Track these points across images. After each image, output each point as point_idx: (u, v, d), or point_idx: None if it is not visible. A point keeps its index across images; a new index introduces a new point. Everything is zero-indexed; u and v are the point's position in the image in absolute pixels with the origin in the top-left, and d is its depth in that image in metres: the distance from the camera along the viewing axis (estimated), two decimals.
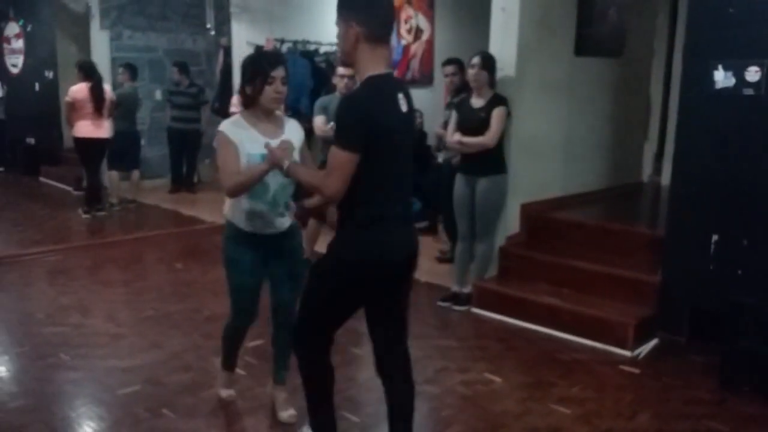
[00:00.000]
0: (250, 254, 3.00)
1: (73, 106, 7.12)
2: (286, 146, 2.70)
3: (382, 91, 2.37)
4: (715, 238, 3.96)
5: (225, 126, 2.87)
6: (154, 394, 3.43)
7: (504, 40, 4.80)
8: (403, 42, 7.93)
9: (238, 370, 3.68)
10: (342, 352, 3.95)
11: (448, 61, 5.50)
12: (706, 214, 4.02)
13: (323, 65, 8.07)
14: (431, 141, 6.70)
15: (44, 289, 5.24)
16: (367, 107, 2.30)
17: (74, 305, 4.74)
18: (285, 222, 3.02)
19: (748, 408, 3.40)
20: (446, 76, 5.47)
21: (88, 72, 7.23)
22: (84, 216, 7.44)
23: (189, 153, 8.89)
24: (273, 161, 2.65)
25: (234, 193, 2.80)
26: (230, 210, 3.00)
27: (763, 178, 3.78)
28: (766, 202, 3.78)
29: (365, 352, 3.76)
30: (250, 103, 2.91)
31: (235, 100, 5.36)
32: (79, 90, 7.12)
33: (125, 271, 5.71)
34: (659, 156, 6.87)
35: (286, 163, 2.60)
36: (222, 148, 2.82)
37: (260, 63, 2.88)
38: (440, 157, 5.79)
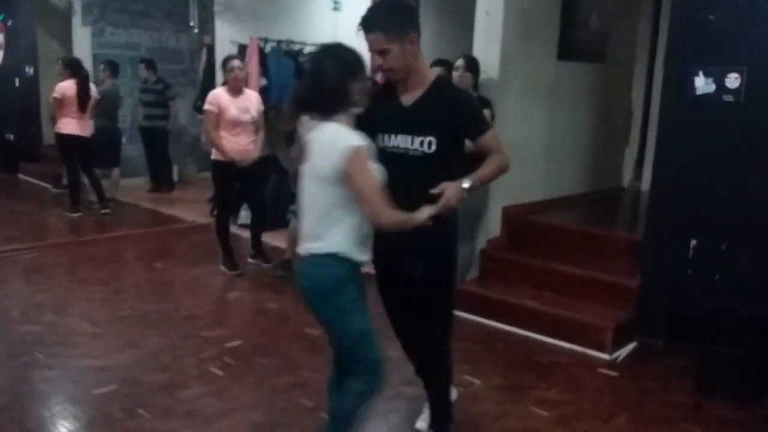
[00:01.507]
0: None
1: (61, 103, 7.04)
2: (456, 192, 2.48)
3: None
4: (693, 243, 3.99)
5: (358, 138, 2.32)
6: (130, 394, 3.38)
7: (488, 43, 4.81)
8: None
9: (216, 371, 3.67)
10: (322, 352, 3.95)
11: (437, 62, 5.48)
12: (685, 219, 4.05)
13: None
14: None
15: (20, 287, 5.17)
16: None
17: (50, 303, 4.68)
18: None
19: (724, 412, 3.42)
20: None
21: (75, 69, 7.16)
22: (72, 215, 7.34)
23: (159, 151, 8.76)
24: (447, 207, 2.46)
25: (390, 229, 2.36)
26: (339, 241, 2.36)
27: (742, 184, 3.81)
28: (745, 208, 3.81)
29: None
30: (345, 106, 2.39)
31: (211, 98, 5.24)
32: (67, 87, 7.05)
33: (103, 269, 5.65)
34: (639, 162, 6.93)
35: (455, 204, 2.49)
36: (365, 167, 2.29)
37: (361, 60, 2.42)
38: None
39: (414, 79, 2.64)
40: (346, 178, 2.26)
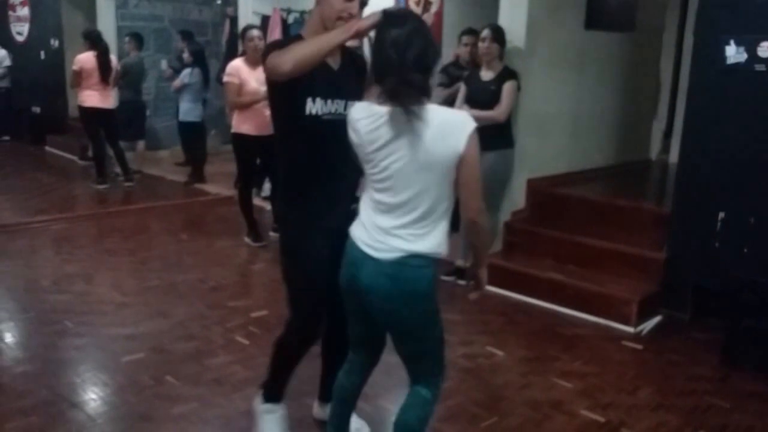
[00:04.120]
0: None
1: (80, 75, 7.08)
2: None
3: None
4: (721, 215, 3.94)
5: None
6: (158, 362, 3.45)
7: (514, 13, 4.74)
8: None
9: (242, 340, 3.72)
10: None
11: (468, 31, 5.39)
12: (714, 191, 3.99)
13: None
14: None
15: (50, 257, 5.26)
16: None
17: (79, 273, 4.76)
18: None
19: (750, 385, 3.40)
20: (465, 45, 5.33)
21: (95, 41, 7.19)
22: (98, 187, 7.43)
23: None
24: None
25: (478, 229, 2.19)
26: (441, 241, 2.13)
27: None
28: None
29: None
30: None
31: (231, 69, 5.23)
32: (86, 59, 7.09)
33: (130, 240, 5.73)
34: (668, 134, 6.81)
35: None
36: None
37: None
38: None
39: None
40: (461, 164, 2.03)
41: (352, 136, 2.14)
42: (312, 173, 2.45)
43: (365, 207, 2.20)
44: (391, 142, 2.04)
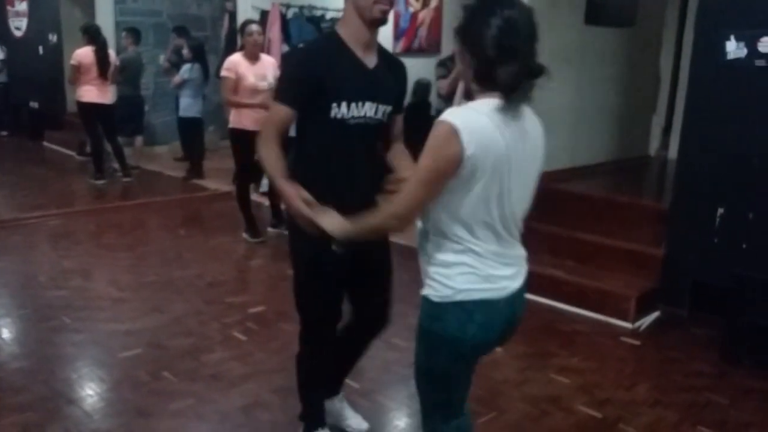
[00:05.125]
0: None
1: (79, 70, 7.06)
2: None
3: None
4: (720, 211, 3.93)
5: None
6: (156, 358, 3.44)
7: None
8: (411, 9, 7.81)
9: (239, 336, 3.71)
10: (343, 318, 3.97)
11: None
12: (713, 187, 3.97)
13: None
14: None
15: (47, 253, 5.25)
16: None
17: (77, 269, 4.75)
18: None
19: (748, 381, 3.40)
20: None
21: (93, 36, 7.16)
22: (96, 182, 7.41)
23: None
24: None
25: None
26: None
27: None
28: None
29: None
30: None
31: (229, 64, 5.21)
32: (84, 54, 7.06)
33: (128, 236, 5.71)
34: (667, 130, 6.80)
35: None
36: None
37: None
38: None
39: (375, 36, 2.26)
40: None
41: (481, 149, 1.62)
42: (329, 178, 2.25)
43: (473, 253, 1.74)
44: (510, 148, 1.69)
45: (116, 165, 7.66)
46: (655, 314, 4.15)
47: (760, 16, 3.68)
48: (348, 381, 2.91)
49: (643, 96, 6.39)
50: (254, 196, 6.00)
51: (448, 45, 5.94)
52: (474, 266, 1.73)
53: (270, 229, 5.75)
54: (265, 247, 5.44)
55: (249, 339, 3.68)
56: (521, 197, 1.79)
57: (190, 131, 7.81)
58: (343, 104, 2.19)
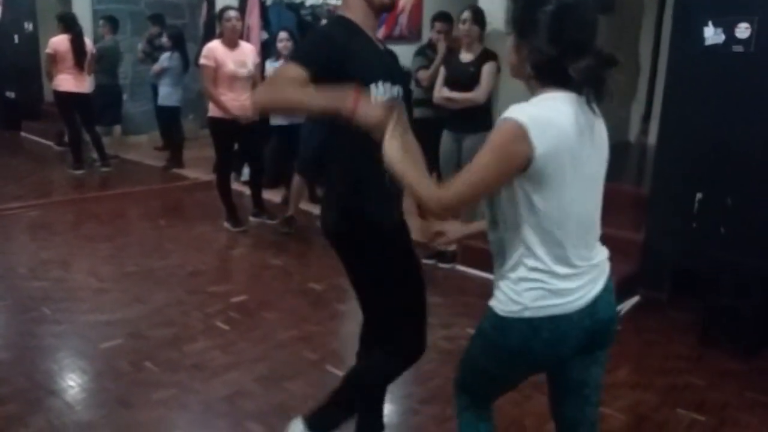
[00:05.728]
0: None
1: (54, 59, 6.96)
2: None
3: None
4: (699, 196, 3.97)
5: None
6: (137, 348, 3.42)
7: None
8: None
9: (221, 325, 3.70)
10: (326, 307, 3.98)
11: (440, 16, 5.29)
12: (691, 172, 4.01)
13: (309, 18, 7.90)
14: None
15: (26, 244, 5.19)
16: None
17: (56, 260, 4.70)
18: None
19: (726, 363, 3.44)
20: (438, 32, 5.27)
21: (69, 24, 7.06)
22: (75, 172, 7.33)
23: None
24: None
25: None
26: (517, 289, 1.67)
27: (750, 137, 3.77)
28: (752, 161, 3.77)
29: (349, 307, 3.78)
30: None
31: (207, 51, 5.16)
32: (60, 42, 6.96)
33: (107, 226, 5.66)
34: (647, 116, 6.85)
35: None
36: None
37: None
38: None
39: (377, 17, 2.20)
40: None
41: (552, 147, 1.55)
42: (369, 161, 1.91)
43: (545, 267, 1.65)
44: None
45: (95, 155, 7.57)
46: (635, 298, 4.19)
47: (737, 2, 3.71)
48: (330, 368, 2.91)
49: (622, 82, 6.40)
50: (235, 185, 5.97)
51: (429, 32, 5.92)
52: (544, 281, 1.64)
53: (251, 218, 5.73)
54: (246, 236, 5.42)
55: (231, 328, 3.67)
56: (592, 199, 1.73)
57: (170, 120, 7.75)
58: (380, 84, 2.07)
